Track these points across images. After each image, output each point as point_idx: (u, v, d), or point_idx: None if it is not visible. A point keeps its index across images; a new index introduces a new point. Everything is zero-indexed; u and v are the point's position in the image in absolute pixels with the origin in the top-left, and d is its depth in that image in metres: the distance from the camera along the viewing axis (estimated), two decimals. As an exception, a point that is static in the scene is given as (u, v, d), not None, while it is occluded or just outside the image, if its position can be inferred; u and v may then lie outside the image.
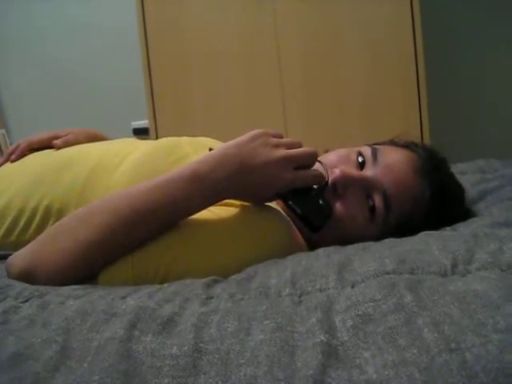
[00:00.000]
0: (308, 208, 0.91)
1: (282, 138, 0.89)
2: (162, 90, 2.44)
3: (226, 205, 0.92)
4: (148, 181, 0.85)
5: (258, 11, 2.36)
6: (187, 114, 2.43)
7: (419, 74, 2.27)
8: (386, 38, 2.30)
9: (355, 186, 0.97)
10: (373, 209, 0.97)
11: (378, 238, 0.87)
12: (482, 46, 2.79)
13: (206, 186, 0.84)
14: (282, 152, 0.85)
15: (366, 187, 0.97)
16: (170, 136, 1.16)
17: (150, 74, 2.43)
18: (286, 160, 0.85)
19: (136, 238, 0.83)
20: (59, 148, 1.19)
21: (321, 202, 0.91)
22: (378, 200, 0.96)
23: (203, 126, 2.38)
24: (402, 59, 2.29)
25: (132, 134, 2.87)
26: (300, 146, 0.89)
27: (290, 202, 0.90)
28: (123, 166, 1.04)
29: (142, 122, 2.78)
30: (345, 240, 0.88)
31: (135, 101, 2.75)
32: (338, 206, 0.96)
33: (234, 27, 2.39)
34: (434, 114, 2.40)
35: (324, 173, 0.93)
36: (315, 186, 0.91)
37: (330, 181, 0.94)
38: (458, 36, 2.80)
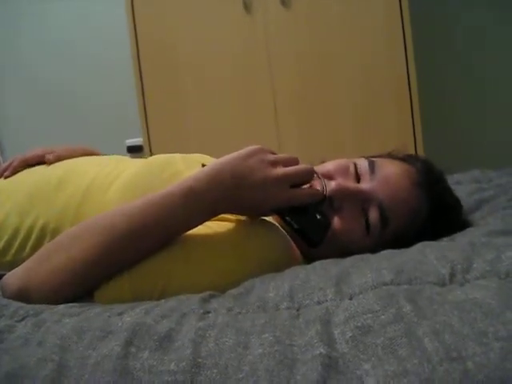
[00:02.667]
0: (305, 223, 0.90)
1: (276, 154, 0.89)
2: (155, 108, 2.44)
3: (222, 219, 0.91)
4: (143, 197, 0.85)
5: (248, 23, 2.37)
6: (181, 131, 2.43)
7: (411, 85, 2.28)
8: (378, 48, 2.32)
9: (352, 199, 0.96)
10: (369, 222, 0.96)
11: (374, 250, 0.87)
12: (473, 56, 2.81)
13: (203, 201, 0.83)
14: (280, 171, 0.84)
15: (363, 200, 0.96)
16: (165, 153, 1.16)
17: (142, 92, 2.43)
18: (283, 179, 0.84)
19: (132, 255, 0.82)
20: (52, 163, 1.18)
21: (318, 216, 0.91)
22: (374, 213, 0.96)
23: (197, 142, 2.38)
24: (394, 70, 2.30)
25: (126, 152, 2.86)
26: (297, 162, 0.88)
27: (287, 218, 0.89)
28: (117, 184, 1.03)
29: (136, 139, 2.78)
30: (342, 252, 0.88)
31: (129, 119, 2.75)
32: (335, 219, 0.96)
33: (225, 41, 2.40)
34: (427, 126, 2.41)
35: (321, 187, 0.93)
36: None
37: (326, 194, 0.94)
38: (450, 44, 2.81)
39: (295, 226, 0.89)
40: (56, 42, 3.04)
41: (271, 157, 0.86)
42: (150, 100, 2.43)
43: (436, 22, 2.80)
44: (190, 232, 0.86)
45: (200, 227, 0.87)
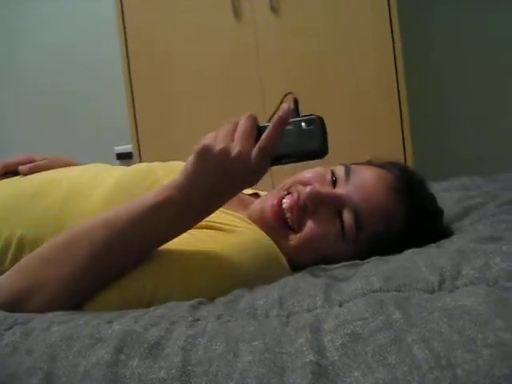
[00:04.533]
0: (297, 146, 0.87)
1: (236, 125, 0.89)
2: (144, 114, 2.43)
3: (207, 227, 0.92)
4: (125, 206, 0.85)
5: (237, 30, 2.38)
6: (171, 137, 2.42)
7: (400, 90, 2.28)
8: (367, 53, 2.32)
9: (326, 204, 0.96)
10: (343, 225, 0.96)
11: (353, 256, 0.89)
12: (462, 63, 2.82)
13: (190, 212, 0.84)
14: (238, 167, 0.84)
15: (337, 205, 0.96)
16: (154, 159, 1.16)
17: (132, 99, 2.42)
18: (244, 163, 0.83)
19: (117, 266, 0.83)
20: (25, 175, 1.16)
21: (304, 125, 0.90)
22: (348, 217, 0.95)
23: (187, 148, 2.36)
24: (384, 75, 2.30)
25: (115, 159, 2.85)
26: (254, 121, 0.91)
27: (283, 161, 0.85)
28: (97, 193, 1.02)
29: (126, 146, 2.77)
30: (320, 259, 0.90)
31: (118, 126, 2.74)
32: (310, 225, 0.96)
33: (215, 48, 2.41)
34: (417, 133, 2.41)
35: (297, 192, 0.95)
36: (290, 126, 0.89)
37: (301, 198, 0.94)
38: (439, 54, 2.83)
39: (294, 159, 0.86)
40: (45, 46, 3.02)
41: (222, 155, 0.89)
42: (139, 107, 2.43)
43: (426, 24, 2.81)
44: (177, 241, 0.86)
45: (186, 236, 0.87)
